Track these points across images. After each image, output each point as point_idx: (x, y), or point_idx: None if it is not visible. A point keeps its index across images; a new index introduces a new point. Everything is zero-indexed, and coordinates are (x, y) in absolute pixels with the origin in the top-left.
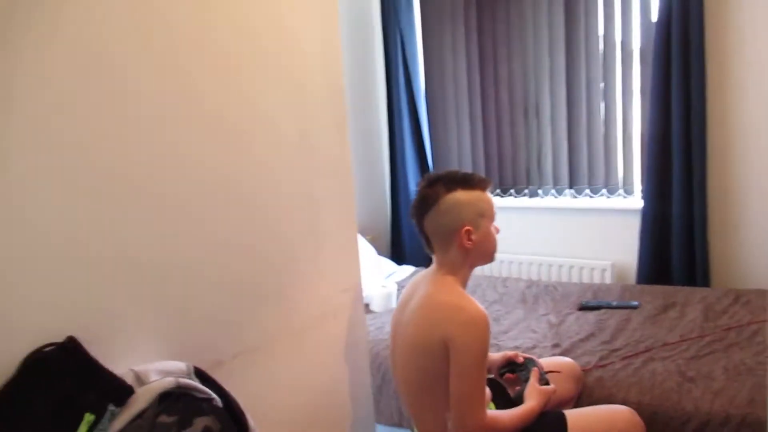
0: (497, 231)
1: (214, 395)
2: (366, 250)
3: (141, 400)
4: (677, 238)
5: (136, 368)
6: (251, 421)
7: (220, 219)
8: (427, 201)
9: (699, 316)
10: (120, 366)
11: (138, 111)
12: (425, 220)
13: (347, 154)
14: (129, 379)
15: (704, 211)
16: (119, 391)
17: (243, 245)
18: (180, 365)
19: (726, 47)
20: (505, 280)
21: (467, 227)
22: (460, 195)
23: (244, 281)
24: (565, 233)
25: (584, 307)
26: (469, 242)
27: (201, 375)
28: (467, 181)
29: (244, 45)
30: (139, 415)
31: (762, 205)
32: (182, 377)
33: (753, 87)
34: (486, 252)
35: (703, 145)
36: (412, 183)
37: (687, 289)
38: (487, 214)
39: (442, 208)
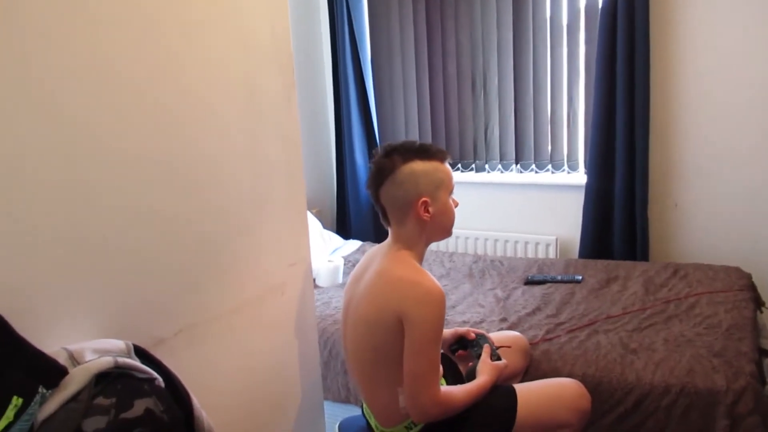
0: (456, 204)
1: (156, 375)
2: (311, 223)
3: (75, 381)
4: (619, 213)
5: (70, 347)
6: (196, 402)
7: (156, 191)
8: (383, 171)
9: (640, 290)
10: (51, 345)
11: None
12: (381, 192)
13: (296, 121)
14: (61, 359)
15: (645, 188)
16: (50, 371)
17: (183, 220)
18: (119, 343)
19: (669, 31)
20: (451, 255)
21: (424, 198)
22: (417, 165)
23: (185, 255)
24: (511, 208)
25: (530, 282)
26: (426, 214)
27: (142, 354)
28: (424, 152)
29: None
30: (74, 398)
31: (699, 184)
32: (121, 356)
33: (694, 69)
34: (443, 225)
35: (646, 125)
36: (359, 156)
37: (628, 263)
38: (444, 186)
39: (398, 179)
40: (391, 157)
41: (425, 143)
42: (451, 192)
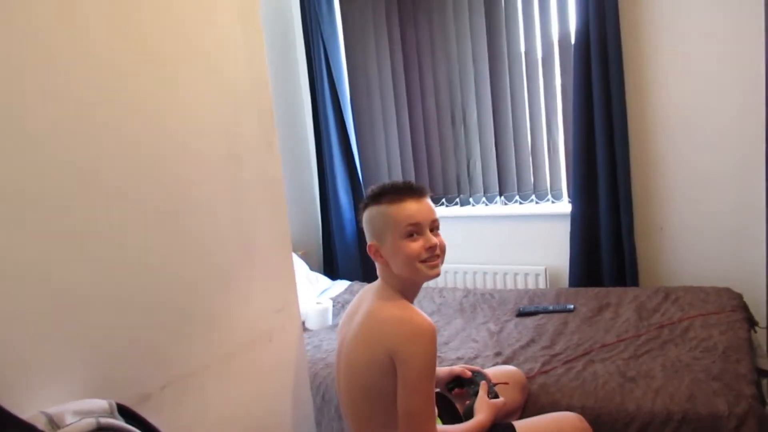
0: (428, 243)
1: None
2: (298, 266)
3: None
4: (606, 240)
5: (49, 410)
6: None
7: (142, 241)
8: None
9: (633, 316)
10: (28, 409)
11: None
12: None
13: (277, 164)
14: (40, 424)
15: (630, 213)
16: None
17: (168, 267)
18: (101, 403)
19: (642, 59)
20: (441, 290)
21: (370, 243)
22: (369, 211)
23: (170, 306)
24: (498, 240)
25: (522, 313)
26: (380, 258)
27: (126, 412)
28: (376, 196)
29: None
30: None
31: (683, 206)
32: (104, 416)
33: (669, 94)
34: (401, 267)
35: (626, 151)
36: (342, 195)
37: (618, 289)
38: (391, 228)
39: (363, 227)
40: (361, 206)
41: (385, 184)
42: (400, 231)
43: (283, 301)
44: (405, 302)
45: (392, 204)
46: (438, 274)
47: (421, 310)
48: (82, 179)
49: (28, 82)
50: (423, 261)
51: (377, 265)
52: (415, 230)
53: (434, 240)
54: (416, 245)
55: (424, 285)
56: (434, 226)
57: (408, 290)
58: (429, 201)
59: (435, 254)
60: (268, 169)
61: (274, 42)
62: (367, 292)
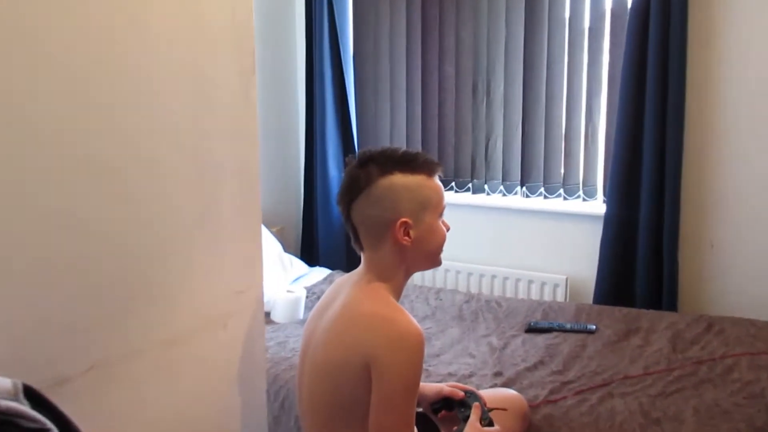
0: (447, 228)
1: (49, 425)
2: (269, 245)
3: None
4: (643, 251)
5: None
6: None
7: (74, 196)
8: (356, 184)
9: (666, 346)
10: None
11: None
12: (353, 209)
13: (253, 117)
14: None
15: (676, 221)
16: None
17: (103, 230)
18: (4, 382)
19: (710, 41)
20: (438, 291)
21: (404, 219)
22: (398, 179)
23: (102, 276)
24: (514, 238)
25: (532, 329)
26: (406, 239)
27: (33, 396)
28: (408, 162)
29: None
30: None
31: (740, 222)
32: (5, 399)
33: (740, 83)
34: (428, 253)
35: (680, 146)
36: (332, 166)
37: (652, 312)
38: (432, 206)
39: (374, 194)
40: (366, 167)
41: (410, 151)
42: (440, 214)
43: (245, 283)
44: (392, 300)
45: (430, 178)
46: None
47: (412, 313)
48: (7, 115)
49: None
50: None
51: (375, 250)
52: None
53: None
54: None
55: (419, 283)
56: None
57: (400, 286)
58: None
59: None
60: (241, 123)
61: None
62: (344, 282)
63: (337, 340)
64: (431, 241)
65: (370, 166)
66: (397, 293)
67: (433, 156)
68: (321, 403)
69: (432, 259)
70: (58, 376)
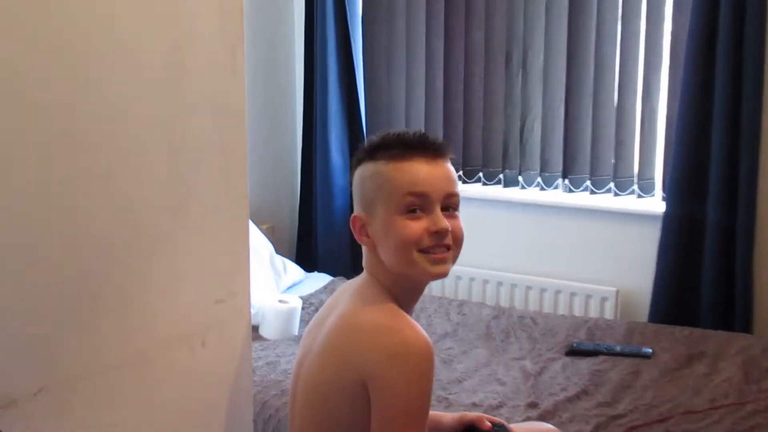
0: (440, 226)
1: None
2: (259, 245)
3: None
4: (710, 260)
5: None
6: None
7: (26, 181)
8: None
9: (737, 374)
10: None
11: None
12: None
13: (240, 90)
14: None
15: (751, 223)
16: None
17: (62, 224)
18: None
19: None
20: (461, 304)
21: (355, 215)
22: (362, 170)
23: (61, 280)
24: (553, 242)
25: (575, 351)
26: (365, 238)
27: None
28: (377, 147)
29: None
30: None
31: None
32: None
33: None
34: (393, 252)
35: (756, 135)
36: (335, 154)
37: (721, 334)
38: (384, 195)
39: (353, 192)
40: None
41: (403, 133)
42: (397, 202)
43: (228, 290)
44: (394, 307)
45: (392, 161)
46: (444, 274)
47: (430, 330)
48: None
49: None
50: (423, 250)
51: (364, 251)
52: (418, 204)
53: (444, 222)
54: (416, 226)
55: (437, 293)
56: (450, 204)
57: (402, 292)
58: (449, 166)
59: (443, 243)
60: (226, 97)
61: None
62: (347, 288)
63: (331, 356)
64: (389, 238)
65: (354, 160)
66: (403, 300)
67: (458, 140)
68: (314, 430)
69: (406, 265)
70: (4, 398)
